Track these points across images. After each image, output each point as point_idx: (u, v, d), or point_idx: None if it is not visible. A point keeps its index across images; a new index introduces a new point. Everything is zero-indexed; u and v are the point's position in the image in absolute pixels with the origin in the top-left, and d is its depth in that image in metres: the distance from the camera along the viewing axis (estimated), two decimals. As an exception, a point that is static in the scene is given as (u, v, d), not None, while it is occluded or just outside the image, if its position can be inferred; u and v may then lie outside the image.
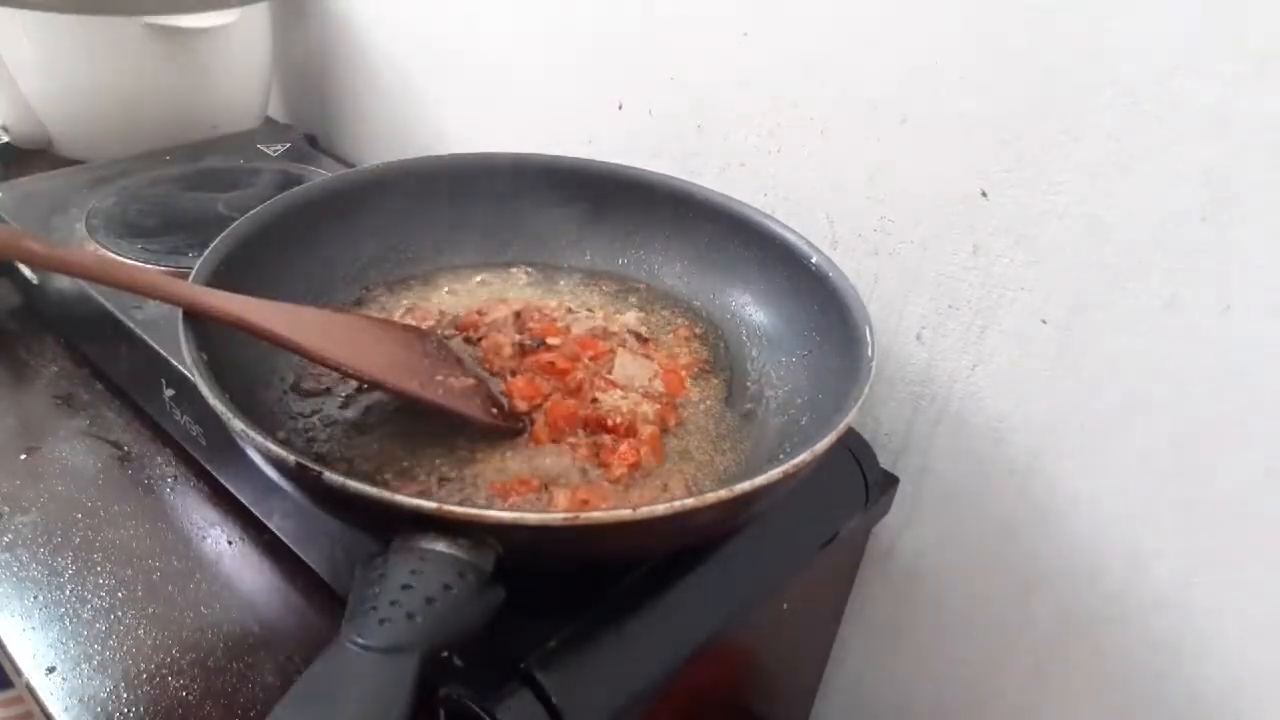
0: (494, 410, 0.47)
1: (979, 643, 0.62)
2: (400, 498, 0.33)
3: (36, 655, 0.45)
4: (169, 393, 0.55)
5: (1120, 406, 0.49)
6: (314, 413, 0.48)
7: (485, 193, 0.60)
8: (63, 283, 0.64)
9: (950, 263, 0.54)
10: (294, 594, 0.50)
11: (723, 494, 0.35)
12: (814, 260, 0.51)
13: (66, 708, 0.43)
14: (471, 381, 0.48)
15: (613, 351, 0.52)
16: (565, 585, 0.42)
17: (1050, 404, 0.52)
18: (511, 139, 0.79)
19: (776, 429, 0.49)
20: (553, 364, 0.50)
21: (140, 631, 0.47)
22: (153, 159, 0.76)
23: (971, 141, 0.50)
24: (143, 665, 0.45)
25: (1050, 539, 0.55)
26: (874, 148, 0.55)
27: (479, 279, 0.60)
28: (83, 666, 0.45)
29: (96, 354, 0.64)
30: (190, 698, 0.44)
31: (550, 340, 0.52)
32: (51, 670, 0.45)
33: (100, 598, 0.48)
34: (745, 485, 0.35)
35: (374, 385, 0.46)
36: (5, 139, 0.82)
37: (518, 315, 0.54)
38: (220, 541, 0.53)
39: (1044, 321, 0.51)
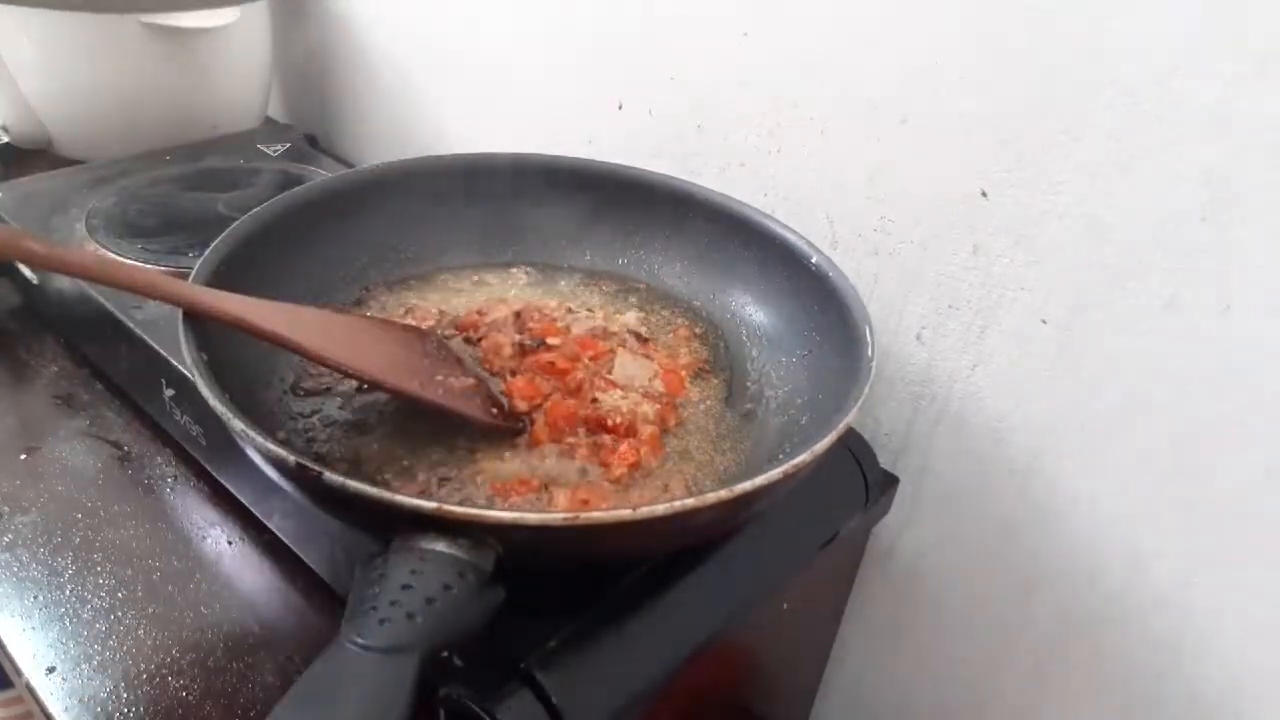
0: (494, 410, 0.47)
1: (979, 643, 0.62)
2: (400, 498, 0.33)
3: (36, 655, 0.45)
4: (169, 393, 0.55)
5: (1120, 406, 0.49)
6: (314, 413, 0.48)
7: (485, 193, 0.60)
8: (63, 283, 0.64)
9: (950, 263, 0.54)
10: (294, 594, 0.50)
11: (723, 494, 0.35)
12: (814, 260, 0.51)
13: (66, 708, 0.43)
14: (471, 381, 0.48)
15: (613, 351, 0.52)
16: (565, 585, 0.42)
17: (1050, 404, 0.52)
18: (511, 139, 0.79)
19: (776, 429, 0.49)
20: (553, 364, 0.50)
21: (140, 631, 0.47)
22: (153, 159, 0.76)
23: (971, 141, 0.50)
24: (143, 665, 0.45)
25: (1050, 539, 0.55)
26: (874, 148, 0.55)
27: (479, 279, 0.60)
28: (83, 666, 0.45)
29: (96, 354, 0.64)
30: (190, 698, 0.44)
31: (550, 340, 0.52)
32: (51, 670, 0.45)
33: (100, 598, 0.48)
34: (745, 485, 0.35)
35: (374, 385, 0.46)
36: (5, 139, 0.82)
37: (518, 315, 0.54)
38: (220, 541, 0.53)
39: (1044, 321, 0.51)
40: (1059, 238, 0.49)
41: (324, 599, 0.50)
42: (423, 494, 0.41)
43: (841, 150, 0.57)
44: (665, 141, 0.66)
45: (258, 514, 0.54)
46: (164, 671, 0.45)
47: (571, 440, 0.47)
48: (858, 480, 0.55)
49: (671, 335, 0.57)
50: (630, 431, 0.47)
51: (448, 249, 0.61)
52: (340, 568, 0.49)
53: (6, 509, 0.53)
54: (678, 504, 0.34)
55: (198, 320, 0.41)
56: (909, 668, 0.68)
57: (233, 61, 0.84)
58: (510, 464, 0.45)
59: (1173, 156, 0.44)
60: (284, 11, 0.93)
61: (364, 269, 0.58)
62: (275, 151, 0.81)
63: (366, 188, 0.58)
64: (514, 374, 0.50)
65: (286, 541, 0.52)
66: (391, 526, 0.34)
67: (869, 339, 0.45)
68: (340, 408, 0.48)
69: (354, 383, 0.49)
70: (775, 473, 0.36)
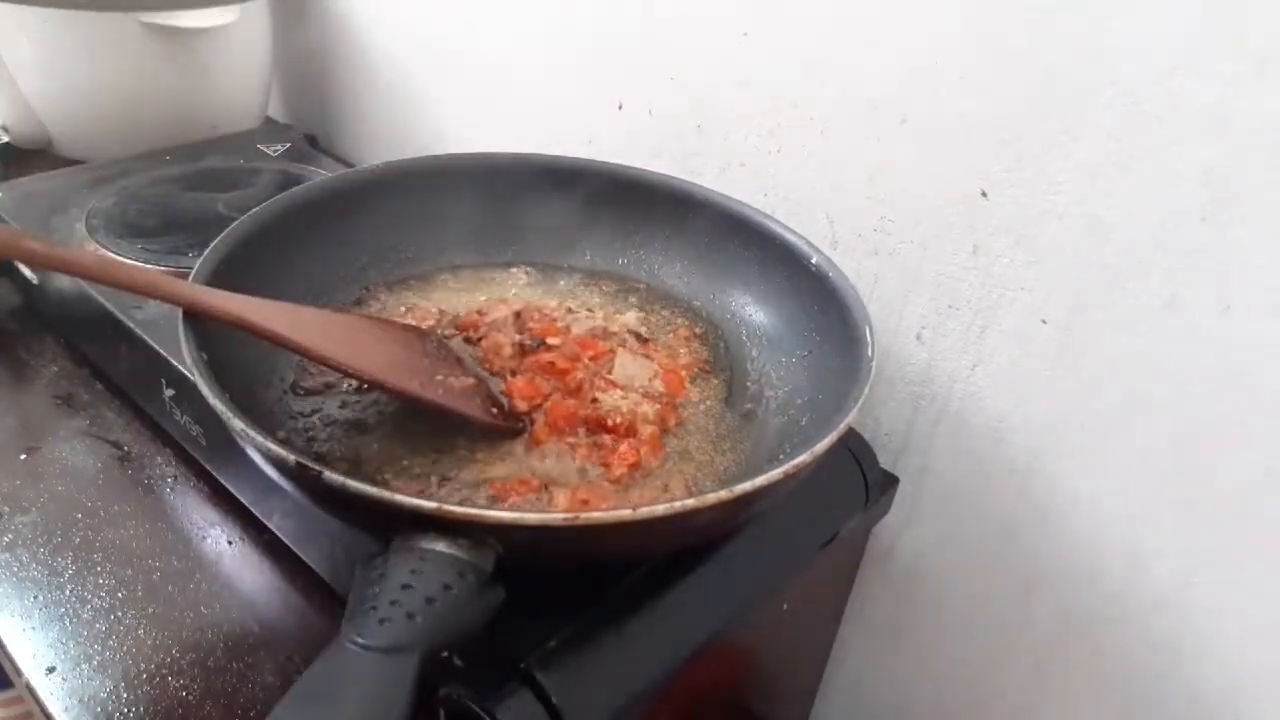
0: (494, 410, 0.47)
1: (979, 643, 0.62)
2: (400, 498, 0.33)
3: (36, 655, 0.45)
4: (169, 393, 0.55)
5: (1120, 406, 0.49)
6: (314, 412, 0.48)
7: (485, 193, 0.60)
8: (63, 283, 0.64)
9: (950, 263, 0.54)
10: (294, 594, 0.50)
11: (723, 494, 0.35)
12: (814, 260, 0.51)
13: (66, 708, 0.43)
14: (471, 381, 0.48)
15: (613, 351, 0.52)
16: (565, 585, 0.42)
17: (1050, 404, 0.52)
18: (511, 139, 0.79)
19: (776, 429, 0.49)
20: (553, 364, 0.50)
21: (140, 631, 0.47)
22: (153, 159, 0.76)
23: (971, 141, 0.50)
24: (143, 665, 0.45)
25: (1050, 539, 0.55)
26: (874, 148, 0.55)
27: (479, 279, 0.60)
28: (83, 666, 0.45)
29: (96, 354, 0.64)
30: (190, 698, 0.44)
31: (550, 340, 0.52)
32: (51, 670, 0.45)
33: (100, 598, 0.48)
34: (745, 486, 0.35)
35: (374, 385, 0.46)
36: (5, 139, 0.82)
37: (518, 315, 0.54)
38: (220, 541, 0.53)
39: (1044, 321, 0.51)
40: (1059, 238, 0.49)
41: (324, 599, 0.50)
42: (423, 494, 0.41)
43: (841, 150, 0.57)
44: (665, 141, 0.66)
45: (258, 514, 0.54)
46: (164, 671, 0.45)
47: (571, 440, 0.47)
48: (858, 480, 0.55)
49: (671, 335, 0.57)
50: (630, 431, 0.47)
51: (448, 249, 0.61)
52: (340, 568, 0.49)
53: (6, 509, 0.53)
54: (678, 504, 0.34)
55: (198, 320, 0.41)
56: (909, 668, 0.68)
57: (233, 61, 0.84)
58: (510, 464, 0.45)
59: (1173, 156, 0.44)
60: (284, 11, 0.93)
61: (364, 269, 0.58)
62: (275, 151, 0.81)
63: (366, 188, 0.58)
64: (514, 374, 0.50)
65: (286, 541, 0.52)
66: (391, 526, 0.34)
67: (869, 339, 0.45)
68: (340, 407, 0.48)
69: (354, 382, 0.49)
70: (775, 473, 0.36)
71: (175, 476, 0.57)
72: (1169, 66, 0.42)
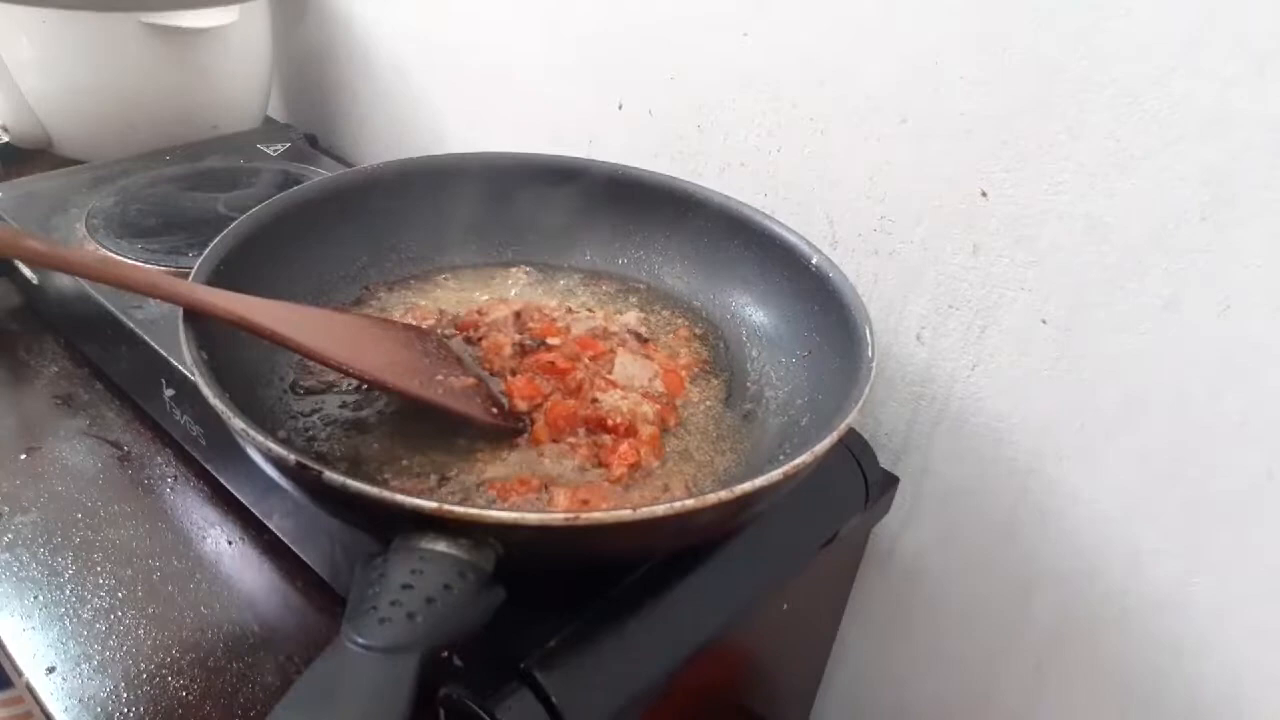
0: (494, 410, 0.47)
1: (979, 643, 0.62)
2: (400, 498, 0.33)
3: (36, 655, 0.45)
4: (169, 393, 0.55)
5: (1120, 406, 0.49)
6: (314, 412, 0.48)
7: (485, 193, 0.60)
8: (63, 283, 0.64)
9: (950, 263, 0.54)
10: (294, 594, 0.50)
11: (723, 495, 0.35)
12: (814, 260, 0.51)
13: (66, 708, 0.43)
14: (472, 381, 0.48)
15: (613, 351, 0.52)
16: (565, 585, 0.42)
17: (1050, 404, 0.52)
18: (511, 139, 0.79)
19: (776, 429, 0.49)
20: (553, 364, 0.50)
21: (140, 631, 0.47)
22: (153, 159, 0.76)
23: (971, 141, 0.50)
24: (143, 665, 0.45)
25: (1050, 539, 0.55)
26: (874, 148, 0.55)
27: (479, 279, 0.60)
28: (83, 666, 0.45)
29: (96, 354, 0.64)
30: (190, 698, 0.44)
31: (550, 340, 0.52)
32: (51, 670, 0.45)
33: (100, 598, 0.48)
34: (745, 486, 0.35)
35: (374, 385, 0.46)
36: (5, 139, 0.82)
37: (518, 315, 0.54)
38: (220, 541, 0.53)
39: (1044, 321, 0.51)
40: (1059, 238, 0.49)
41: (324, 599, 0.50)
42: (423, 494, 0.41)
43: (841, 150, 0.57)
44: (665, 141, 0.66)
45: (258, 514, 0.54)
46: (164, 671, 0.45)
47: (571, 440, 0.47)
48: (858, 480, 0.55)
49: (671, 335, 0.57)
50: (630, 431, 0.47)
51: (448, 249, 0.61)
52: (340, 568, 0.49)
53: (6, 509, 0.53)
54: (678, 504, 0.34)
55: (198, 320, 0.41)
56: (909, 668, 0.68)
57: (233, 61, 0.84)
58: (510, 464, 0.45)
59: (1173, 156, 0.44)
60: (284, 11, 0.93)
61: (364, 269, 0.58)
62: (275, 151, 0.81)
63: (366, 188, 0.58)
64: (514, 374, 0.50)
65: (286, 541, 0.52)
66: (391, 526, 0.34)
67: (869, 339, 0.45)
68: (340, 407, 0.48)
69: (354, 382, 0.49)
70: (775, 473, 0.36)
71: (175, 476, 0.57)
72: (1169, 66, 0.42)
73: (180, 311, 0.41)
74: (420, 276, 0.59)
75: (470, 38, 0.79)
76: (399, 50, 0.86)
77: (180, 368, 0.52)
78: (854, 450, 0.55)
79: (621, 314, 0.57)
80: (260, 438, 0.35)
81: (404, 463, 0.45)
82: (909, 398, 0.59)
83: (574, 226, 0.62)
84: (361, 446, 0.46)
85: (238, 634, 0.47)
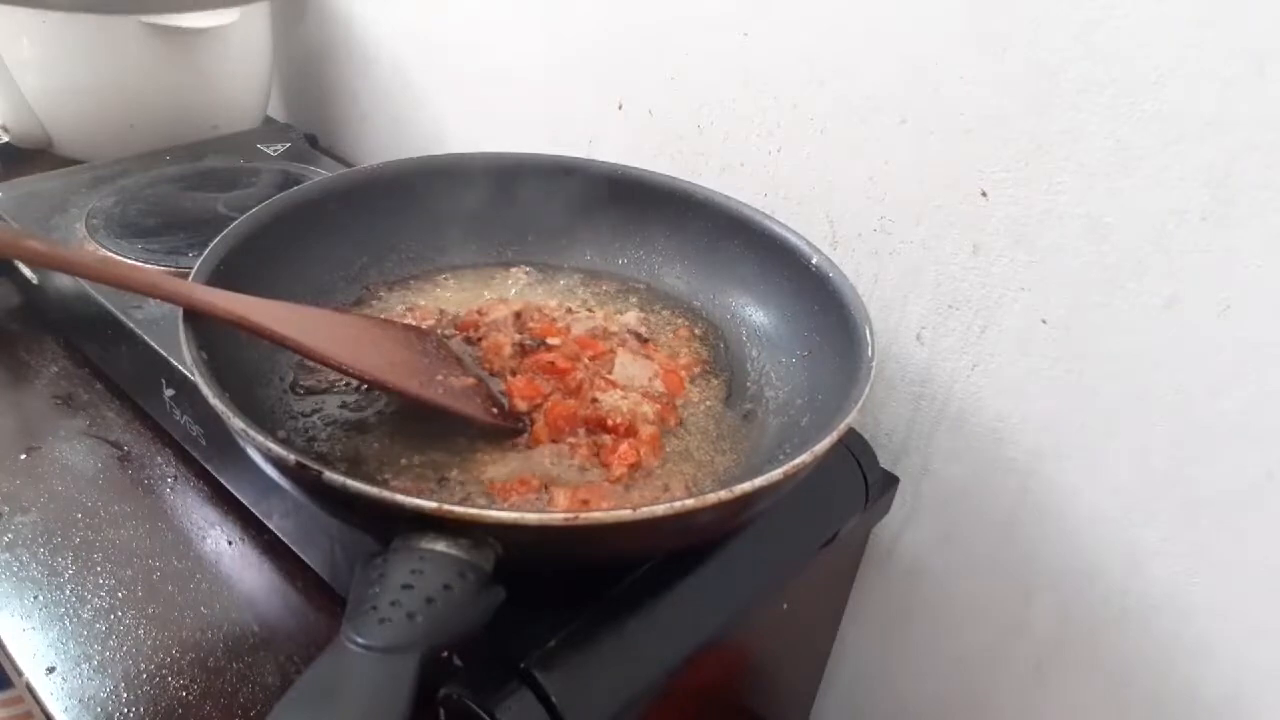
0: (494, 410, 0.47)
1: (979, 642, 0.62)
2: (400, 498, 0.33)
3: (36, 655, 0.45)
4: (169, 393, 0.55)
5: (1120, 406, 0.49)
6: (314, 412, 0.48)
7: (485, 193, 0.60)
8: (63, 283, 0.64)
9: (950, 263, 0.54)
10: (294, 594, 0.50)
11: (723, 494, 0.35)
12: (814, 260, 0.51)
13: (66, 708, 0.43)
14: (471, 381, 0.48)
15: (613, 351, 0.52)
16: (565, 585, 0.42)
17: (1050, 404, 0.52)
18: (512, 139, 0.79)
19: (776, 429, 0.49)
20: (553, 364, 0.50)
21: (140, 631, 0.47)
22: (153, 159, 0.76)
23: (971, 141, 0.50)
24: (143, 665, 0.45)
25: (1050, 539, 0.55)
26: (874, 148, 0.55)
27: (479, 279, 0.60)
28: (83, 666, 0.45)
29: (96, 354, 0.64)
30: (190, 698, 0.44)
31: (550, 340, 0.52)
32: (51, 670, 0.45)
33: (100, 598, 0.48)
34: (745, 486, 0.35)
35: (374, 385, 0.46)
36: (5, 139, 0.82)
37: (518, 315, 0.54)
38: (220, 541, 0.53)
39: (1044, 321, 0.51)
40: (1059, 238, 0.49)
41: (324, 599, 0.50)
42: (423, 494, 0.41)
43: (841, 150, 0.57)
44: (666, 141, 0.66)
45: (258, 514, 0.54)
46: (164, 671, 0.45)
47: (571, 440, 0.47)
48: (858, 480, 0.55)
49: (671, 335, 0.57)
50: (630, 431, 0.47)
51: (448, 249, 0.61)
52: (340, 568, 0.49)
53: (6, 509, 0.53)
54: (678, 504, 0.34)
55: (198, 320, 0.41)
56: (909, 668, 0.68)
57: (233, 61, 0.84)
58: (510, 464, 0.45)
59: (1173, 156, 0.44)
60: (284, 11, 0.93)
61: (364, 269, 0.58)
62: (275, 151, 0.81)
63: (366, 187, 0.58)
64: (514, 374, 0.50)
65: (286, 541, 0.52)
66: (391, 526, 0.34)
67: (869, 339, 0.45)
68: (340, 407, 0.48)
69: (354, 382, 0.49)
70: (775, 473, 0.36)
71: (175, 476, 0.57)
72: (1169, 66, 0.42)
73: (180, 311, 0.41)
74: (420, 276, 0.59)
75: (470, 38, 0.79)
76: (399, 50, 0.86)
77: (180, 368, 0.52)
78: (854, 450, 0.55)
79: (621, 314, 0.57)
80: (260, 438, 0.35)
81: (404, 463, 0.45)
82: (909, 398, 0.59)
83: (574, 226, 0.62)
84: (361, 446, 0.46)
85: (238, 634, 0.47)
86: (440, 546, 0.33)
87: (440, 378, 0.47)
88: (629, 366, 0.51)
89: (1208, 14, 0.41)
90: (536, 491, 0.44)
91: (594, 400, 0.48)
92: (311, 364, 0.48)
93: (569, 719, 0.38)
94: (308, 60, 0.97)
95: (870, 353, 0.44)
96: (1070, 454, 0.53)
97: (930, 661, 0.66)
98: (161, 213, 0.69)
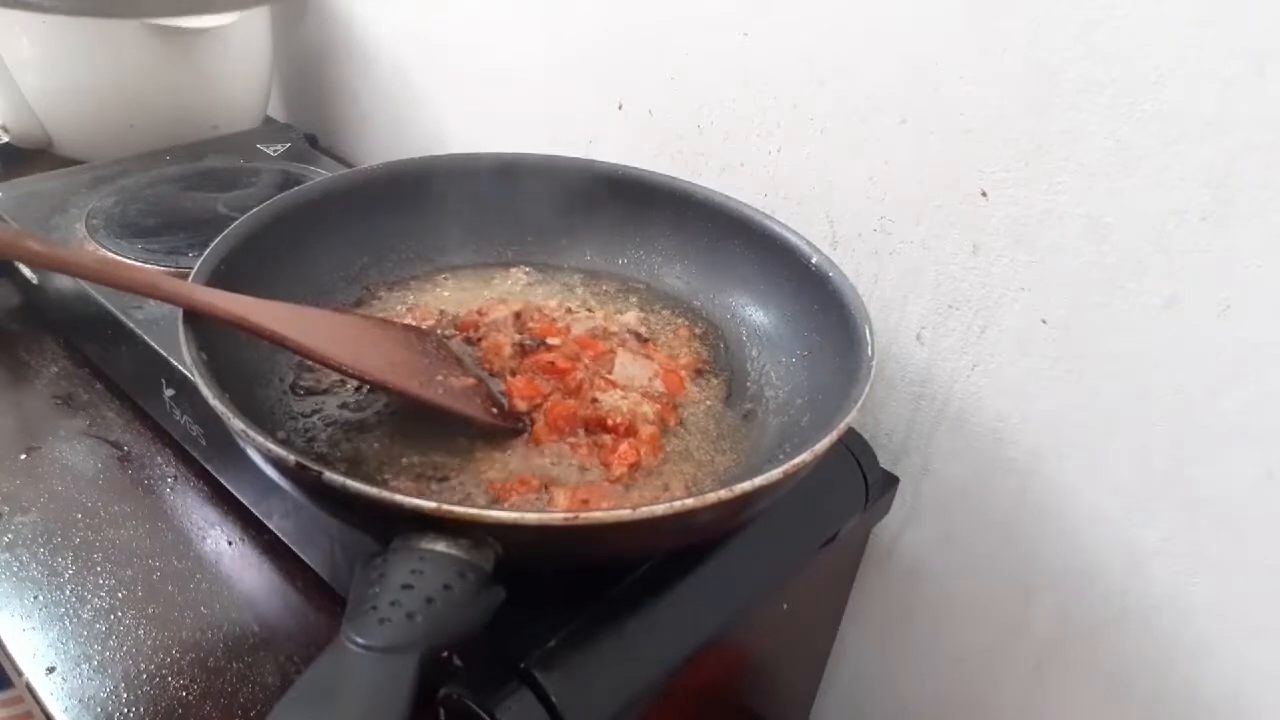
0: (494, 410, 0.47)
1: (979, 642, 0.62)
2: (400, 498, 0.33)
3: (36, 655, 0.45)
4: (169, 393, 0.55)
5: (1120, 406, 0.49)
6: (314, 412, 0.48)
7: (485, 193, 0.60)
8: (63, 283, 0.64)
9: (950, 263, 0.54)
10: (294, 594, 0.50)
11: (723, 494, 0.35)
12: (814, 260, 0.51)
13: (66, 708, 0.43)
14: (471, 381, 0.48)
15: (613, 351, 0.52)
16: (565, 585, 0.42)
17: (1050, 404, 0.52)
18: (511, 139, 0.79)
19: (776, 429, 0.49)
20: (553, 364, 0.50)
21: (140, 631, 0.47)
22: (153, 159, 0.76)
23: (971, 141, 0.50)
24: (143, 665, 0.45)
25: (1050, 539, 0.55)
26: (874, 148, 0.55)
27: (479, 279, 0.60)
28: (83, 666, 0.45)
29: (96, 354, 0.64)
30: (190, 698, 0.44)
31: (550, 340, 0.52)
32: (51, 670, 0.45)
33: (100, 598, 0.48)
34: (745, 485, 0.35)
35: (374, 385, 0.46)
36: (5, 139, 0.82)
37: (518, 315, 0.54)
38: (220, 541, 0.53)
39: (1044, 321, 0.51)
40: (1059, 238, 0.49)
41: (324, 599, 0.50)
42: (423, 494, 0.41)
43: (841, 150, 0.57)
44: (666, 141, 0.66)
45: (258, 514, 0.54)
46: (164, 671, 0.45)
47: (571, 440, 0.47)
48: (858, 480, 0.55)
49: (671, 335, 0.57)
50: (630, 431, 0.47)
51: (448, 249, 0.61)
52: (340, 568, 0.49)
53: (6, 509, 0.53)
54: (678, 504, 0.34)
55: (198, 320, 0.41)
56: (909, 668, 0.68)
57: (233, 62, 0.84)
58: (510, 464, 0.45)
59: (1173, 156, 0.44)
60: (284, 11, 0.93)
61: (364, 269, 0.58)
62: (275, 151, 0.81)
63: (366, 188, 0.58)
64: (514, 374, 0.50)
65: (286, 541, 0.52)
66: (391, 526, 0.34)
67: (869, 339, 0.45)
68: (340, 407, 0.48)
69: (354, 382, 0.49)
70: (775, 473, 0.36)
71: (175, 476, 0.57)
72: (1169, 66, 0.42)
73: (180, 312, 0.41)
74: (420, 276, 0.59)
75: (470, 38, 0.79)
76: (399, 50, 0.86)
77: (180, 368, 0.52)
78: (854, 450, 0.55)
79: (621, 314, 0.57)
80: (260, 438, 0.35)
81: (404, 463, 0.45)
82: (909, 398, 0.59)
83: (574, 226, 0.62)
84: (361, 446, 0.46)
85: (238, 634, 0.47)
86: (440, 546, 0.33)
87: (440, 378, 0.47)
88: (629, 366, 0.51)
89: (1208, 14, 0.41)
90: (536, 491, 0.44)
91: (594, 400, 0.48)
92: (311, 364, 0.48)
93: (569, 719, 0.38)
94: (308, 60, 0.97)
95: (870, 352, 0.44)
96: (1070, 454, 0.53)
97: (930, 661, 0.66)
98: (161, 213, 0.69)
